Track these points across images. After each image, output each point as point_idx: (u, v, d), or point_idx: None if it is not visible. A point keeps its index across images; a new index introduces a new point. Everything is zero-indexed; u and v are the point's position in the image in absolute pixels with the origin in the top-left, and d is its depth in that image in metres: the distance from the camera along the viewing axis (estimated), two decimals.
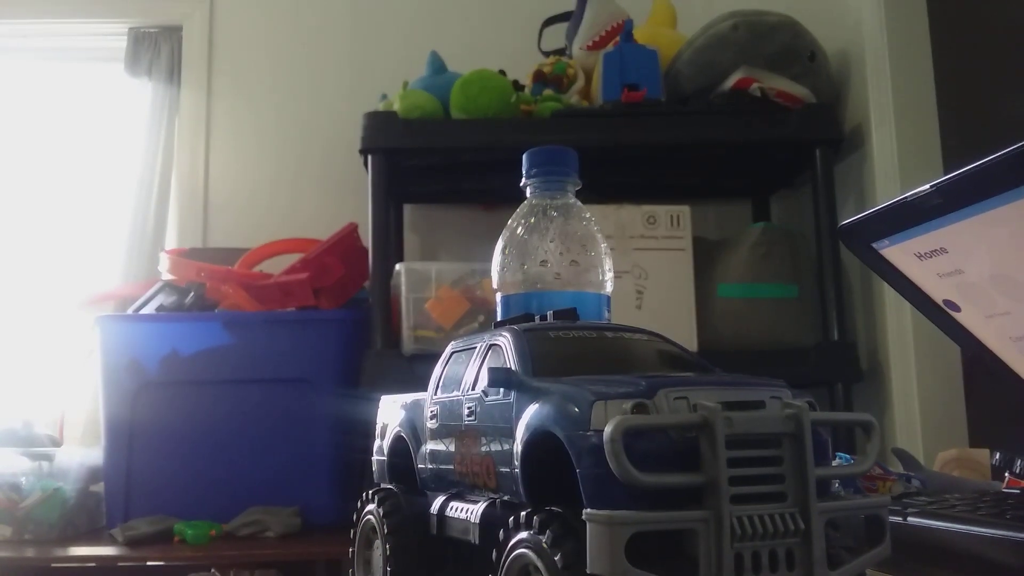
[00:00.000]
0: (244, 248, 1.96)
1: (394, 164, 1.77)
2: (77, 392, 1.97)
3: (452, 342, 0.55)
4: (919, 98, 1.61)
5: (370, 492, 0.58)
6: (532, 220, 0.62)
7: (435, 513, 0.52)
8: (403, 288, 1.63)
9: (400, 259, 1.99)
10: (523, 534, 0.40)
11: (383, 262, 1.71)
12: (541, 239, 0.61)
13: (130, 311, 1.77)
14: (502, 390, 0.45)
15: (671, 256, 1.62)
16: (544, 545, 0.38)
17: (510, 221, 0.64)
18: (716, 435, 0.35)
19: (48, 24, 2.35)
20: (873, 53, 1.65)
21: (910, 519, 0.55)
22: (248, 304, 1.70)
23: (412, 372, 1.57)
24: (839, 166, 1.73)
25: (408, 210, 2.18)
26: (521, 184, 0.64)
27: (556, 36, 2.03)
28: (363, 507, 0.58)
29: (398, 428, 0.58)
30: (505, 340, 0.48)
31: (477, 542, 0.47)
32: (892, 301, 1.58)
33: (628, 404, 0.37)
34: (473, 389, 0.49)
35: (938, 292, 0.63)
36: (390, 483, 0.59)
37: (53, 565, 1.51)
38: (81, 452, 1.67)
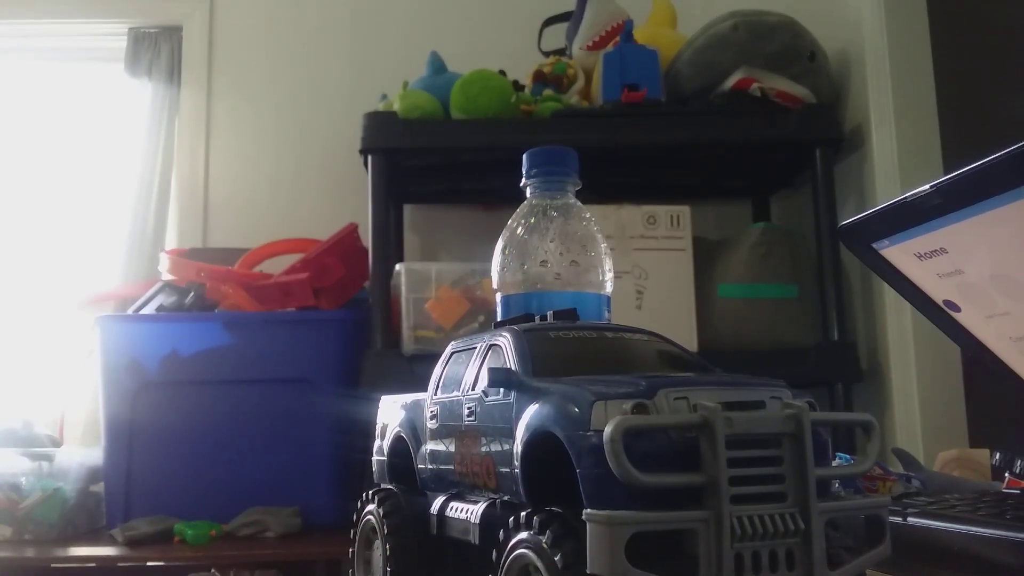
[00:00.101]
0: (244, 248, 1.96)
1: (394, 164, 1.77)
2: (77, 392, 1.97)
3: (452, 342, 0.55)
4: (919, 98, 1.61)
5: (370, 492, 0.58)
6: (532, 220, 0.62)
7: (435, 513, 0.52)
8: (403, 288, 1.63)
9: (400, 259, 1.99)
10: (523, 534, 0.40)
11: (383, 262, 1.71)
12: (541, 239, 0.61)
13: (130, 311, 1.77)
14: (502, 390, 0.45)
15: (671, 256, 1.62)
16: (544, 545, 0.38)
17: (510, 221, 0.64)
18: (716, 435, 0.35)
19: (48, 24, 2.35)
20: (873, 53, 1.65)
21: (910, 519, 0.55)
22: (248, 304, 1.70)
23: (412, 372, 1.57)
24: (839, 166, 1.73)
25: (408, 210, 2.18)
26: (521, 184, 0.64)
27: (556, 36, 2.03)
28: (363, 507, 0.58)
29: (398, 428, 0.58)
30: (505, 340, 0.48)
31: (477, 542, 0.47)
32: (892, 301, 1.58)
33: (628, 404, 0.37)
34: (473, 389, 0.49)
35: (938, 292, 0.63)
36: (390, 483, 0.59)
37: (53, 565, 1.51)
38: (81, 452, 1.67)
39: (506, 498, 0.45)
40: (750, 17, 1.71)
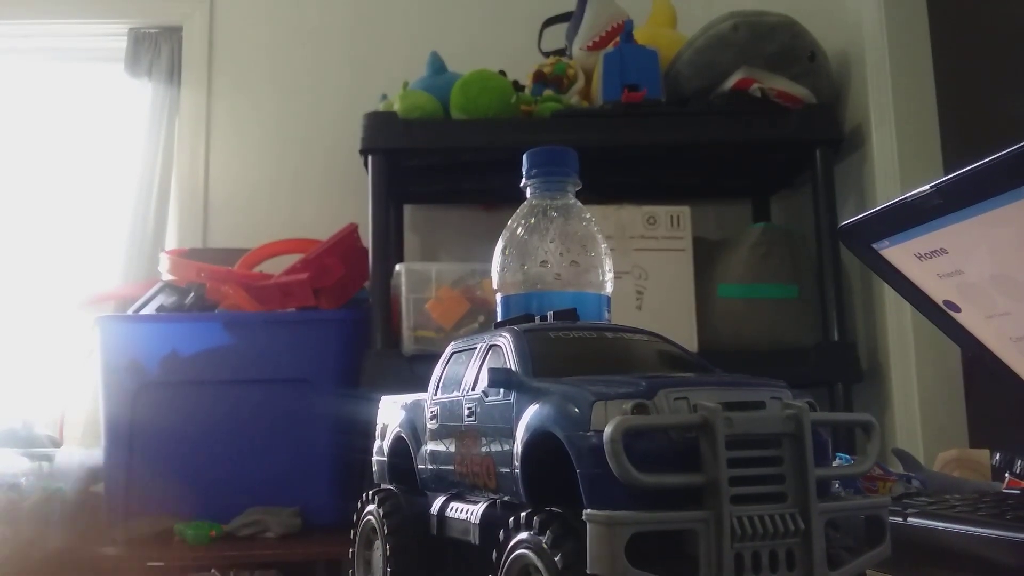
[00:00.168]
0: (244, 248, 1.96)
1: (394, 164, 1.77)
2: (77, 392, 1.97)
3: (452, 342, 0.55)
4: (919, 98, 1.61)
5: (370, 492, 0.58)
6: (532, 220, 0.62)
7: (435, 513, 0.52)
8: (403, 288, 1.63)
9: (400, 259, 1.99)
10: (523, 534, 0.40)
11: (383, 262, 1.71)
12: (541, 239, 0.61)
13: (130, 311, 1.77)
14: (502, 390, 0.45)
15: (671, 256, 1.62)
16: (544, 545, 0.38)
17: (510, 221, 0.64)
18: (716, 435, 0.35)
19: (48, 24, 2.35)
20: (873, 53, 1.65)
21: (910, 519, 0.55)
22: (248, 304, 1.70)
23: (412, 372, 1.57)
24: (839, 166, 1.73)
25: (408, 210, 2.18)
26: (521, 184, 0.64)
27: (556, 36, 2.03)
28: (363, 507, 0.58)
29: (398, 428, 0.58)
30: (505, 340, 0.48)
31: (477, 542, 0.47)
32: (892, 301, 1.58)
33: (628, 404, 0.37)
34: (473, 389, 0.49)
35: (938, 292, 0.63)
36: (390, 483, 0.59)
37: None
38: (81, 452, 1.67)
39: (506, 498, 0.45)
40: (750, 17, 1.71)
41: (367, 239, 1.74)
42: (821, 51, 1.73)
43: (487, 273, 0.66)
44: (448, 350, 0.55)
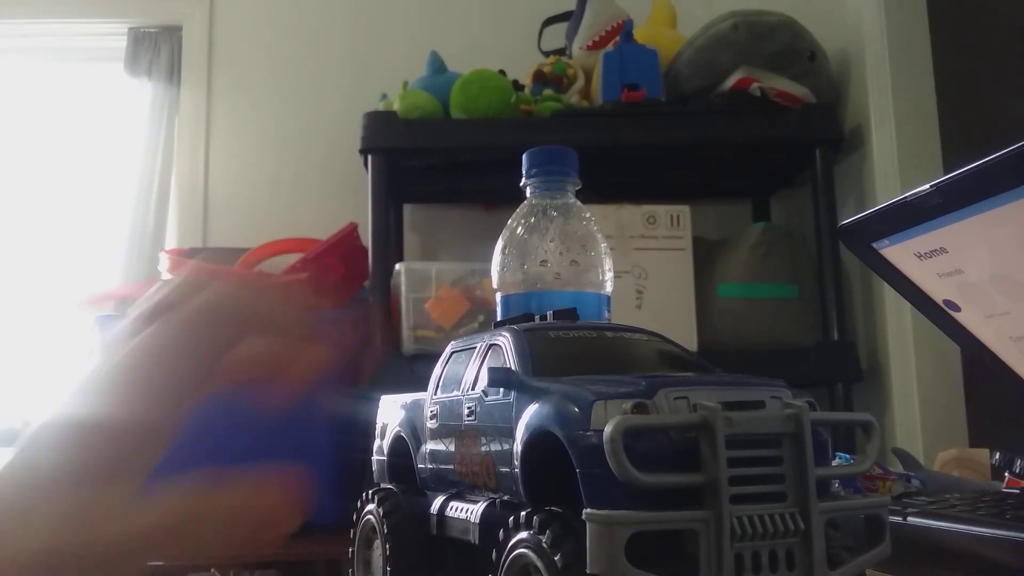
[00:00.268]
0: (244, 248, 1.96)
1: (394, 164, 1.77)
2: None
3: (452, 342, 0.55)
4: (919, 98, 1.61)
5: (370, 492, 0.58)
6: (532, 220, 0.62)
7: (435, 513, 0.52)
8: (403, 288, 1.63)
9: (400, 259, 1.99)
10: (523, 534, 0.40)
11: (383, 262, 1.71)
12: (541, 239, 0.61)
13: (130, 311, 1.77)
14: (502, 390, 0.45)
15: (671, 256, 1.62)
16: (544, 545, 0.38)
17: (510, 221, 0.64)
18: (716, 435, 0.35)
19: (48, 24, 2.35)
20: (873, 53, 1.65)
21: (910, 519, 0.55)
22: None
23: (412, 372, 1.57)
24: (839, 166, 1.73)
25: (408, 210, 2.18)
26: (521, 184, 0.64)
27: (556, 36, 2.03)
28: (363, 507, 0.58)
29: (398, 428, 0.58)
30: (505, 340, 0.48)
31: (477, 542, 0.47)
32: (892, 301, 1.58)
33: (628, 404, 0.37)
34: (473, 389, 0.48)
35: (938, 292, 0.63)
36: (390, 483, 0.59)
37: None
38: None
39: (506, 498, 0.45)
40: (750, 17, 1.71)
41: (367, 239, 1.74)
42: (821, 51, 1.73)
43: (487, 273, 0.66)
44: (448, 350, 0.55)
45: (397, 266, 1.69)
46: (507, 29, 2.22)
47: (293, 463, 0.36)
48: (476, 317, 1.62)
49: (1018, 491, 0.69)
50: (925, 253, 0.60)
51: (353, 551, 0.60)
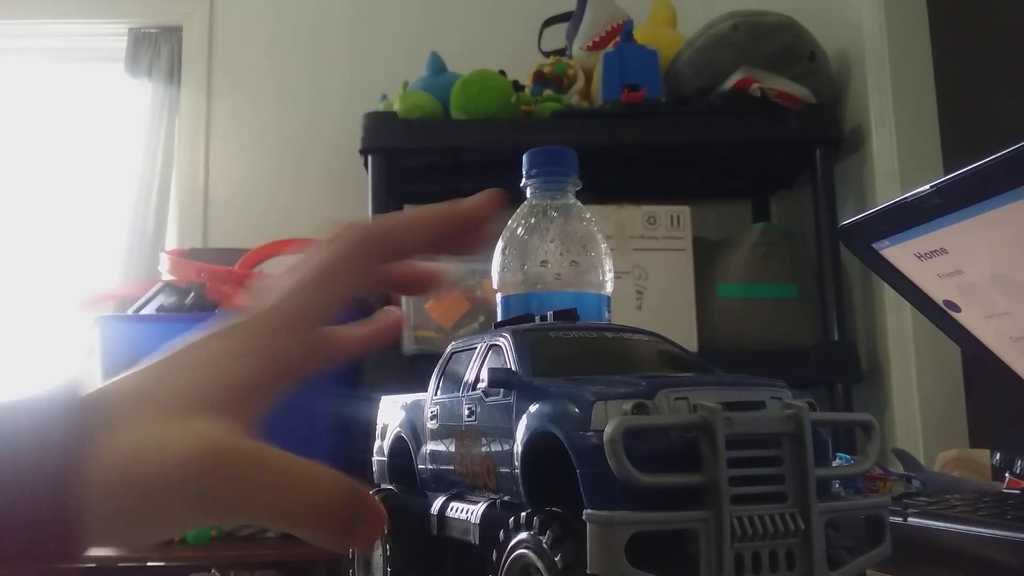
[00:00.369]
0: (244, 248, 1.96)
1: (394, 164, 1.77)
2: None
3: (452, 342, 0.55)
4: (919, 98, 1.61)
5: (370, 492, 0.58)
6: (532, 220, 0.62)
7: (435, 513, 0.52)
8: None
9: None
10: (523, 534, 0.40)
11: None
12: (541, 239, 0.61)
13: (130, 311, 1.77)
14: (502, 390, 0.45)
15: (671, 256, 1.62)
16: (544, 546, 0.38)
17: (510, 221, 0.64)
18: (716, 435, 0.35)
19: (48, 24, 2.35)
20: (873, 53, 1.65)
21: (910, 519, 0.55)
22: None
23: (412, 372, 1.57)
24: (839, 166, 1.73)
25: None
26: (521, 184, 0.64)
27: (556, 36, 2.03)
28: None
29: (398, 428, 0.58)
30: (505, 340, 0.48)
31: (477, 542, 0.47)
32: (892, 301, 1.58)
33: (628, 404, 0.37)
34: (473, 389, 0.48)
35: (938, 292, 0.63)
36: (390, 483, 0.59)
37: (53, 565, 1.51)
38: None
39: (506, 498, 0.45)
40: (750, 17, 1.71)
41: None
42: (821, 51, 1.73)
43: (487, 273, 0.66)
44: (448, 350, 0.55)
45: None
46: (507, 29, 2.22)
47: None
48: (476, 318, 1.62)
49: (1018, 492, 0.69)
50: (925, 253, 0.60)
51: (353, 551, 0.60)
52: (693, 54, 1.74)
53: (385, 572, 0.53)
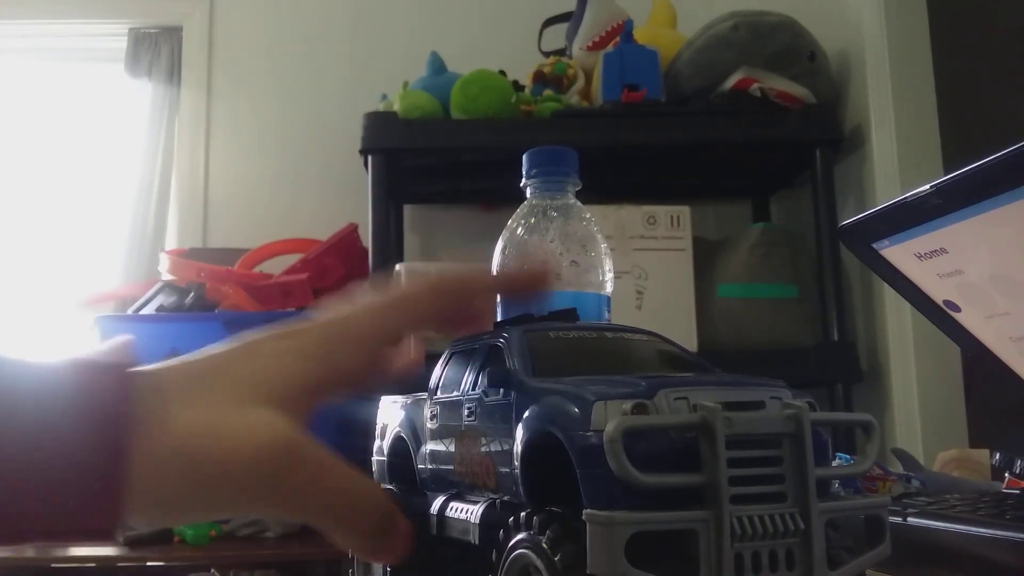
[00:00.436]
0: (244, 248, 1.96)
1: (394, 164, 1.77)
2: None
3: (452, 342, 0.55)
4: (919, 98, 1.61)
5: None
6: (532, 220, 0.62)
7: (435, 513, 0.52)
8: None
9: (400, 259, 1.99)
10: (523, 534, 0.40)
11: (383, 262, 1.71)
12: (541, 239, 0.61)
13: (130, 311, 1.77)
14: (502, 390, 0.45)
15: (671, 256, 1.62)
16: (544, 545, 0.38)
17: (510, 221, 0.64)
18: (716, 435, 0.35)
19: (48, 24, 2.35)
20: (873, 53, 1.65)
21: (910, 519, 0.55)
22: (248, 304, 1.70)
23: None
24: (839, 166, 1.73)
25: (408, 210, 2.18)
26: (521, 184, 0.64)
27: (556, 36, 2.03)
28: None
29: (398, 428, 0.58)
30: (505, 340, 0.48)
31: (477, 542, 0.47)
32: (892, 301, 1.58)
33: (628, 404, 0.37)
34: (473, 389, 0.48)
35: (938, 292, 0.63)
36: (390, 483, 0.59)
37: (53, 565, 1.51)
38: None
39: (506, 498, 0.45)
40: (750, 17, 1.71)
41: (367, 239, 1.74)
42: (821, 51, 1.73)
43: None
44: (448, 350, 0.55)
45: (397, 267, 1.69)
46: (507, 29, 2.22)
47: None
48: None
49: (1018, 491, 0.69)
50: (925, 253, 0.60)
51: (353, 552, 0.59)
52: (693, 54, 1.74)
53: (385, 572, 0.53)
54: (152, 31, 2.35)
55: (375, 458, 0.62)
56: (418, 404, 0.56)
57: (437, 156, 1.82)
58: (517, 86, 1.81)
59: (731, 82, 1.70)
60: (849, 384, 1.63)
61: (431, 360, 0.56)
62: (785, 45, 1.69)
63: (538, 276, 0.48)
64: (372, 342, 0.38)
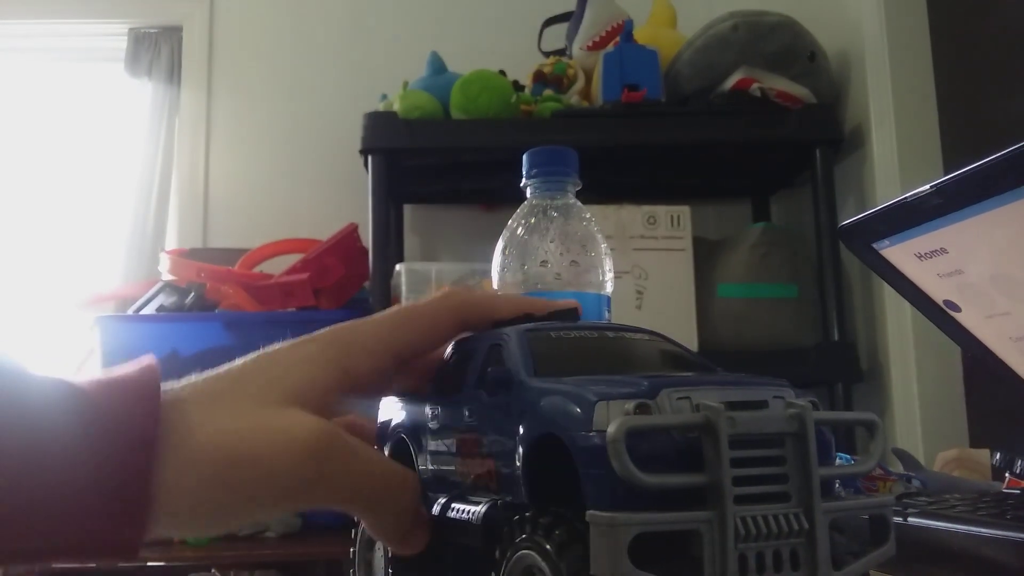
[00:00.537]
0: (244, 248, 1.96)
1: (394, 164, 1.77)
2: None
3: (452, 342, 0.55)
4: (919, 98, 1.61)
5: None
6: (532, 220, 0.62)
7: (436, 514, 0.52)
8: (403, 288, 1.63)
9: (400, 259, 1.99)
10: (525, 535, 0.40)
11: (383, 262, 1.71)
12: (541, 239, 0.61)
13: (130, 311, 1.77)
14: (503, 391, 0.45)
15: (671, 256, 1.62)
16: (547, 546, 0.38)
17: (510, 221, 0.64)
18: (719, 435, 0.35)
19: (48, 24, 2.35)
20: (873, 53, 1.65)
21: (910, 519, 0.55)
22: (248, 304, 1.70)
23: None
24: (839, 166, 1.73)
25: (408, 210, 2.18)
26: (521, 184, 0.64)
27: (556, 36, 2.03)
28: None
29: (398, 429, 0.58)
30: (506, 340, 0.48)
31: (479, 544, 0.47)
32: (892, 301, 1.58)
33: (631, 404, 0.37)
34: (473, 389, 0.48)
35: (938, 292, 0.63)
36: None
37: (53, 565, 1.51)
38: None
39: (508, 499, 0.45)
40: (750, 17, 1.71)
41: (367, 239, 1.74)
42: (821, 51, 1.73)
43: (487, 273, 0.66)
44: (448, 350, 0.55)
45: (397, 267, 1.69)
46: (507, 29, 2.22)
47: None
48: None
49: (1018, 491, 0.69)
50: (925, 253, 0.60)
51: (355, 552, 0.59)
52: (693, 54, 1.74)
53: (386, 572, 0.53)
54: (152, 31, 2.35)
55: None
56: (419, 405, 0.56)
57: (437, 156, 1.82)
58: (517, 86, 1.81)
59: (731, 82, 1.70)
60: (849, 384, 1.63)
61: None
62: (785, 45, 1.69)
63: (567, 312, 0.48)
64: (382, 349, 0.40)
